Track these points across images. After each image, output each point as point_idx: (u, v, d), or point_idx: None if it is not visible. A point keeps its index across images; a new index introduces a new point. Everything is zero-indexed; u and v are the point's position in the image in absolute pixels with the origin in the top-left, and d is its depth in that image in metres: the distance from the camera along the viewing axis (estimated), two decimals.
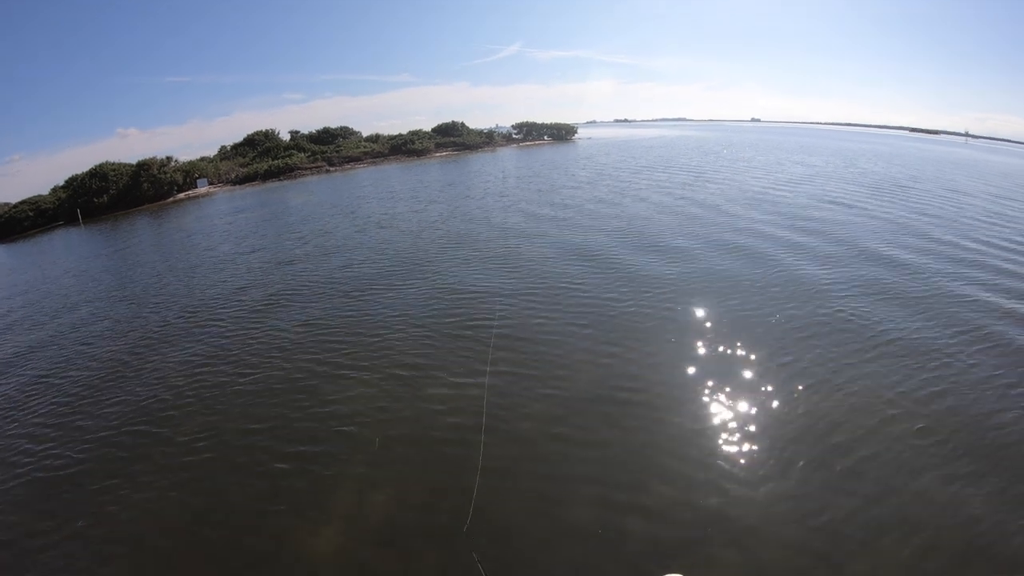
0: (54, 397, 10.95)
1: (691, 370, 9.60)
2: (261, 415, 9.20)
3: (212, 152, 64.54)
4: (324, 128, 70.40)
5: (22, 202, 44.48)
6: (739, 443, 7.60)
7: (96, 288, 19.55)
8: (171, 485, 7.77)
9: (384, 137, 69.57)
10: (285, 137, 67.57)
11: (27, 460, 8.88)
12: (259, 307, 14.67)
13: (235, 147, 65.28)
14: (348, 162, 60.51)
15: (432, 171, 48.80)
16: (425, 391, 9.46)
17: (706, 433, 7.87)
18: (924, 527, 6.14)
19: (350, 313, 13.47)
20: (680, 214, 22.65)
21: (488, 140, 74.93)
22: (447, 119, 75.29)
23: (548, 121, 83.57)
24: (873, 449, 7.42)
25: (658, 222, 21.16)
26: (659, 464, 7.28)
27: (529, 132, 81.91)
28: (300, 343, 11.91)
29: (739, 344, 10.39)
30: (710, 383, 9.12)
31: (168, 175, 47.88)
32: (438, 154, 66.42)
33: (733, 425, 8.01)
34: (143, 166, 46.65)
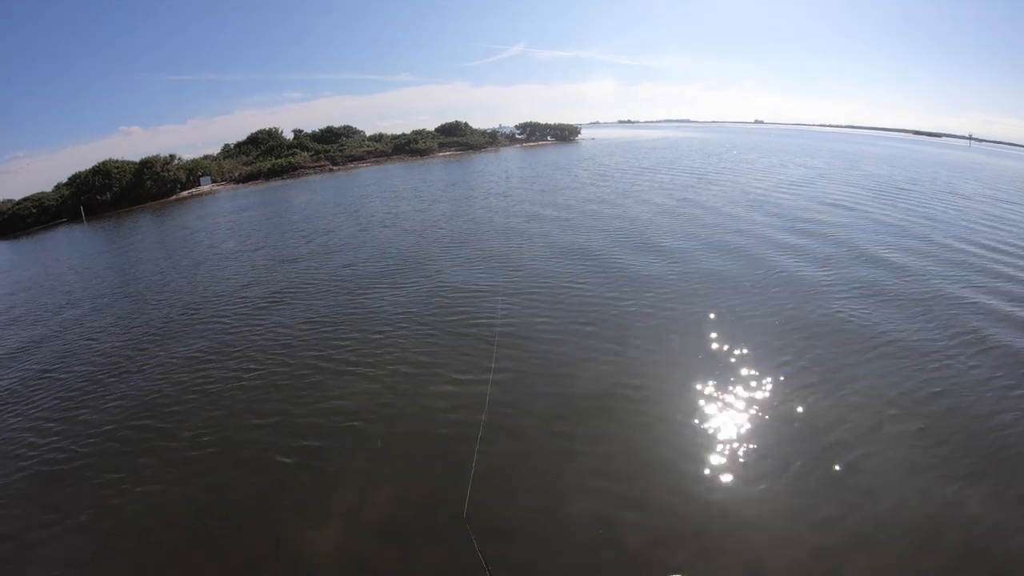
0: (58, 391, 11.01)
1: (692, 369, 9.62)
2: (265, 411, 9.24)
3: (215, 150, 64.63)
4: (327, 127, 70.45)
5: (25, 199, 44.55)
6: (739, 442, 7.63)
7: (100, 285, 19.62)
8: (174, 480, 7.82)
9: (388, 136, 69.61)
10: (288, 136, 67.61)
11: (31, 453, 8.94)
12: (263, 304, 14.73)
13: (238, 145, 65.32)
14: (351, 161, 60.55)
15: (435, 171, 48.85)
16: (428, 389, 9.50)
17: (707, 432, 7.90)
18: (923, 527, 6.16)
19: (354, 310, 13.52)
20: (682, 215, 22.67)
21: (491, 140, 74.90)
22: (449, 119, 75.37)
23: (551, 121, 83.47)
24: (872, 449, 7.45)
25: (660, 223, 21.18)
26: (660, 463, 7.31)
27: (532, 132, 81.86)
28: (304, 340, 11.96)
29: (740, 344, 10.41)
30: (711, 382, 9.15)
31: (171, 173, 47.96)
32: (441, 154, 66.46)
33: (734, 424, 8.04)
34: (146, 164, 46.72)
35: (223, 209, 36.46)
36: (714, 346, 10.44)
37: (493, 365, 9.95)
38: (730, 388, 8.99)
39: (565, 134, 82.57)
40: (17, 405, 10.74)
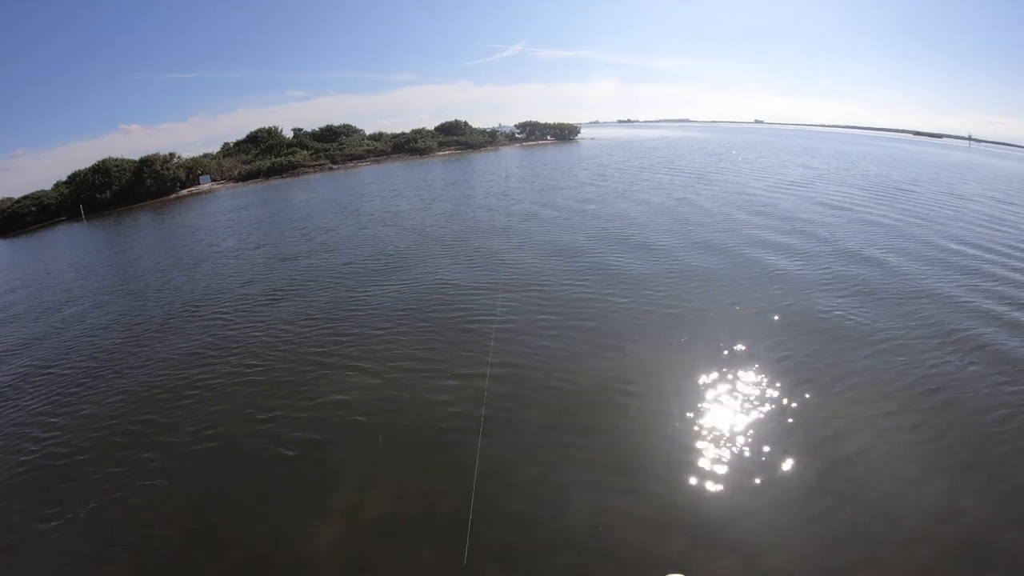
0: (60, 387, 11.06)
1: (691, 365, 9.68)
2: (266, 407, 9.28)
3: (215, 149, 64.62)
4: (327, 126, 70.47)
5: (25, 197, 44.53)
6: (737, 437, 7.69)
7: (100, 282, 19.66)
8: (176, 475, 7.85)
9: (387, 135, 69.62)
10: (288, 135, 67.59)
11: (34, 448, 8.99)
12: (264, 301, 14.77)
13: (238, 144, 65.30)
14: (351, 160, 60.58)
15: (435, 170, 48.88)
16: (429, 385, 9.54)
17: (705, 427, 7.95)
18: (918, 520, 6.22)
19: (354, 308, 13.57)
20: (681, 215, 22.72)
21: (491, 139, 74.93)
22: (450, 118, 75.38)
23: (551, 121, 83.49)
24: (869, 444, 7.51)
25: (659, 223, 21.23)
26: (659, 458, 7.36)
27: (532, 132, 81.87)
28: (305, 337, 12.00)
29: (737, 340, 10.47)
30: (709, 378, 9.22)
31: (171, 171, 47.97)
32: (441, 153, 66.49)
33: (731, 419, 8.10)
34: (146, 162, 46.71)
35: (223, 208, 36.47)
36: (712, 343, 10.48)
37: (491, 360, 9.99)
38: (728, 384, 9.05)
39: (565, 133, 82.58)
40: (20, 400, 10.79)
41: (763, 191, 28.58)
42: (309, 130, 69.37)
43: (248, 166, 55.76)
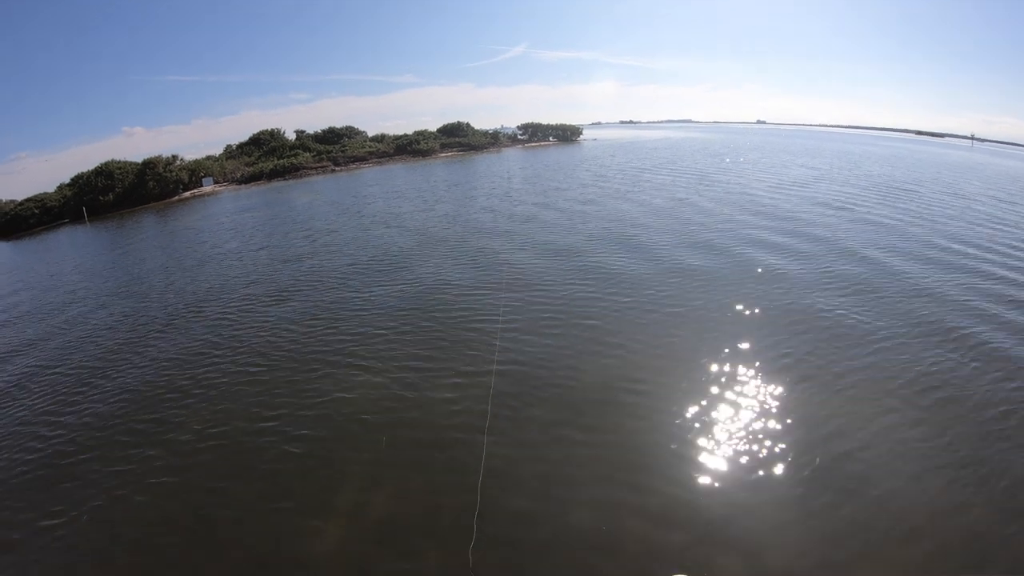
0: (65, 387, 11.12)
1: (693, 363, 9.71)
2: (270, 407, 9.30)
3: (218, 151, 64.90)
4: (329, 128, 70.65)
5: (28, 200, 44.77)
6: (739, 434, 7.72)
7: (104, 284, 19.73)
8: (180, 475, 7.88)
9: (389, 137, 69.75)
10: (291, 137, 67.84)
11: (40, 446, 9.04)
12: (268, 302, 14.81)
13: (241, 146, 65.50)
14: (353, 162, 60.71)
15: (437, 171, 48.95)
16: (433, 386, 9.55)
17: (708, 424, 7.97)
18: (923, 522, 6.21)
19: (358, 308, 13.59)
20: (683, 217, 22.72)
21: (493, 141, 74.99)
22: (452, 119, 75.51)
23: (553, 122, 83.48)
24: (871, 443, 7.51)
25: (661, 224, 21.23)
26: (663, 459, 7.37)
27: (534, 133, 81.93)
28: (309, 337, 12.03)
29: (740, 339, 10.50)
30: (712, 376, 9.25)
31: (174, 174, 48.15)
32: (443, 154, 66.58)
33: (734, 416, 8.13)
34: (149, 164, 46.91)
35: (225, 210, 36.56)
36: (715, 341, 10.50)
37: (496, 358, 10.04)
38: (730, 381, 9.08)
39: (567, 134, 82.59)
40: (26, 399, 10.86)
41: (765, 191, 28.55)
42: (311, 132, 69.67)
43: (251, 168, 55.94)
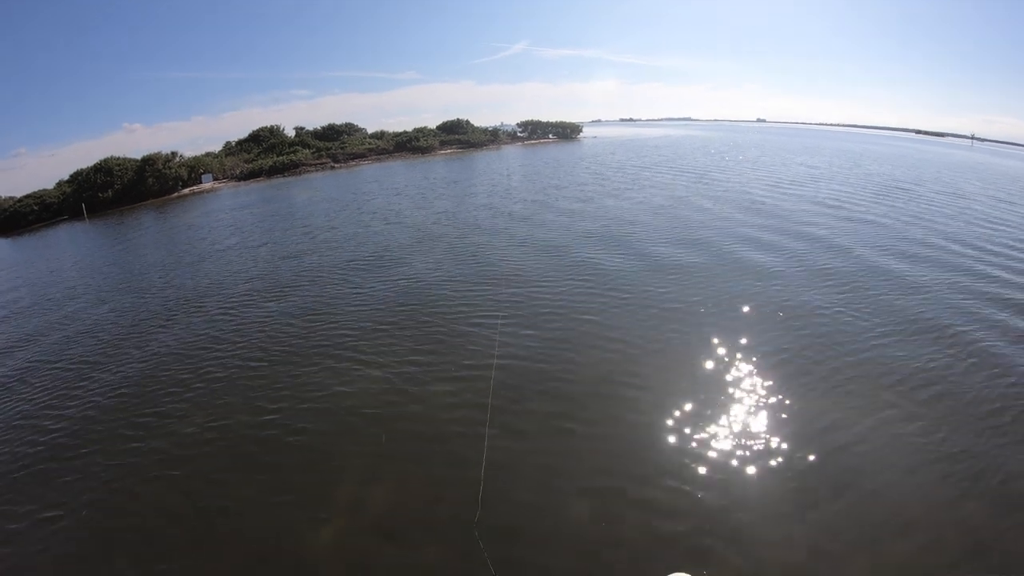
0: (65, 381, 11.14)
1: (692, 361, 9.77)
2: (270, 403, 9.32)
3: (217, 148, 64.69)
4: (329, 124, 70.51)
5: (27, 196, 44.59)
6: (737, 430, 7.78)
7: (104, 280, 19.72)
8: (180, 469, 7.90)
9: (389, 134, 69.63)
10: (290, 133, 67.67)
11: (42, 439, 9.06)
12: (269, 298, 14.83)
13: (240, 143, 65.34)
14: (353, 159, 60.62)
15: (437, 168, 48.90)
16: (433, 382, 9.57)
17: (706, 420, 8.02)
18: (916, 517, 6.27)
19: (359, 304, 13.61)
20: (683, 214, 22.77)
21: (493, 138, 74.89)
22: (453, 117, 75.34)
23: (553, 120, 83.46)
24: (866, 439, 7.58)
25: (661, 222, 21.26)
26: (661, 454, 7.41)
27: (534, 130, 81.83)
28: (309, 333, 12.05)
29: (739, 336, 10.55)
30: (710, 372, 9.32)
31: (173, 170, 48.02)
32: (443, 152, 66.51)
33: (732, 412, 8.18)
34: (148, 161, 46.75)
35: (225, 206, 36.51)
36: (713, 337, 10.55)
37: (496, 352, 10.08)
38: (729, 376, 9.14)
39: (567, 132, 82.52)
40: (28, 392, 10.91)
41: (763, 190, 28.58)
42: (311, 129, 69.45)
43: (250, 165, 55.83)
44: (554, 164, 47.10)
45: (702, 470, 7.00)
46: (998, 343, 10.40)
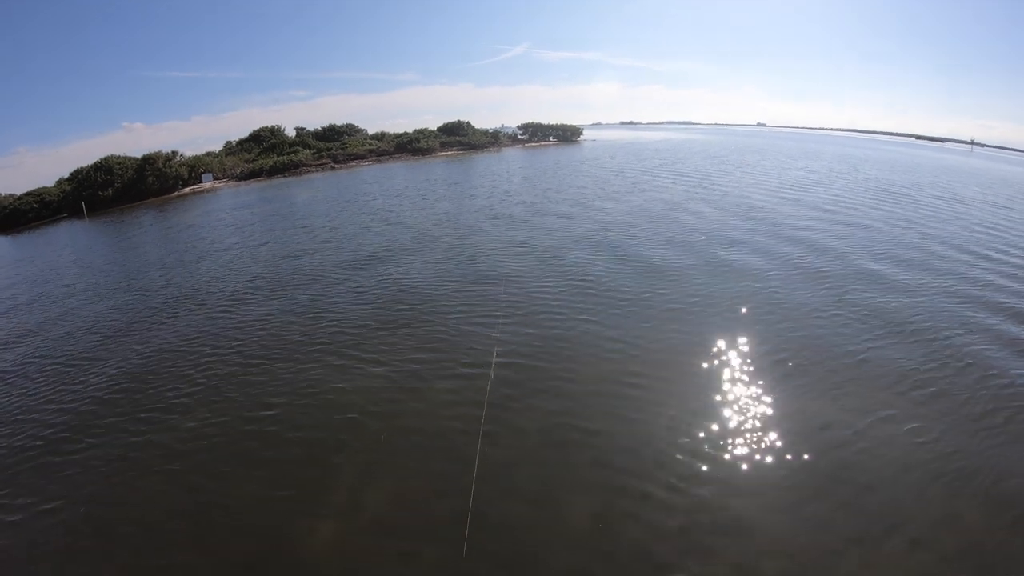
0: (65, 376, 11.18)
1: (691, 363, 9.83)
2: (268, 402, 9.33)
3: (217, 147, 64.72)
4: (330, 125, 70.54)
5: (26, 194, 44.60)
6: (736, 433, 7.84)
7: (103, 278, 19.74)
8: (178, 467, 7.89)
9: (390, 135, 69.67)
10: (291, 134, 67.71)
11: (41, 434, 9.09)
12: (269, 297, 14.88)
13: (240, 143, 65.38)
14: (353, 160, 60.65)
15: (437, 170, 48.97)
16: (432, 382, 9.60)
17: (705, 423, 8.06)
18: (910, 514, 6.34)
19: (359, 304, 13.67)
20: (682, 218, 22.85)
21: (493, 140, 74.91)
22: (453, 118, 75.41)
23: (554, 122, 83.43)
24: (862, 438, 7.65)
25: (661, 224, 21.34)
26: (659, 453, 7.45)
27: (535, 133, 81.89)
28: (308, 333, 12.08)
29: (738, 339, 10.62)
30: (709, 375, 9.39)
31: (173, 169, 48.02)
32: (443, 153, 66.56)
33: (730, 416, 8.23)
34: (148, 160, 46.75)
35: (225, 206, 36.55)
36: (711, 340, 10.63)
37: (495, 351, 10.15)
38: (727, 378, 9.22)
39: (567, 135, 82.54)
40: (28, 385, 10.97)
41: (763, 195, 28.64)
42: (311, 129, 69.49)
43: (250, 165, 55.84)
44: (554, 167, 47.18)
45: (700, 467, 7.06)
46: (992, 346, 10.49)
